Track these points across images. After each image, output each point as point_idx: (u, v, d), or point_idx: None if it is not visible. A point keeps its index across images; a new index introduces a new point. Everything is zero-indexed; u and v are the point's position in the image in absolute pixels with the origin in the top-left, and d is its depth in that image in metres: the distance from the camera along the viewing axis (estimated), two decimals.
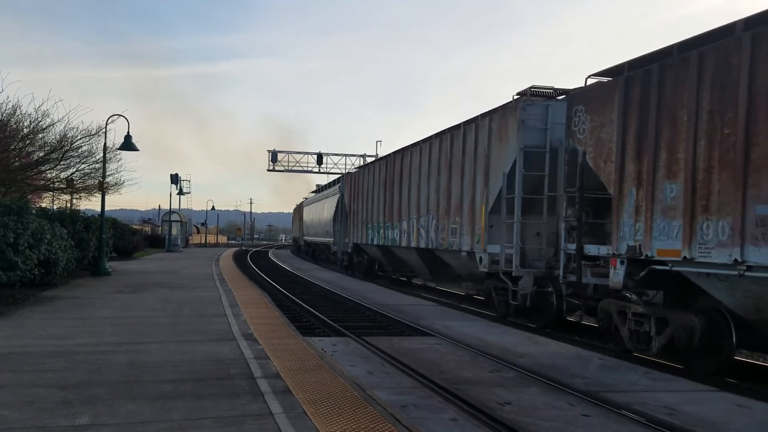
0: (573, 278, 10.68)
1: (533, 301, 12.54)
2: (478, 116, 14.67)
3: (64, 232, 16.95)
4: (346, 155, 47.62)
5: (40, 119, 22.19)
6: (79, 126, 28.04)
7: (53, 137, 23.56)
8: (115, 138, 36.01)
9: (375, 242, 22.84)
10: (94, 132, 24.05)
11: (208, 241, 76.59)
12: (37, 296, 13.78)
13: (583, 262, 10.43)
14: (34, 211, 14.99)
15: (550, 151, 12.61)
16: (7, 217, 12.87)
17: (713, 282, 8.15)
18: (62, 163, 24.69)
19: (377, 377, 7.48)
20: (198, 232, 78.89)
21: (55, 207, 28.03)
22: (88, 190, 27.83)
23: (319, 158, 47.53)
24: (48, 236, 14.74)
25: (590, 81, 10.68)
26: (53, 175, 26.28)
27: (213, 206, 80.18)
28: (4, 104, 21.15)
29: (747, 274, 7.33)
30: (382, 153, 40.00)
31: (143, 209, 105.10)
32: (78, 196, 29.53)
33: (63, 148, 23.72)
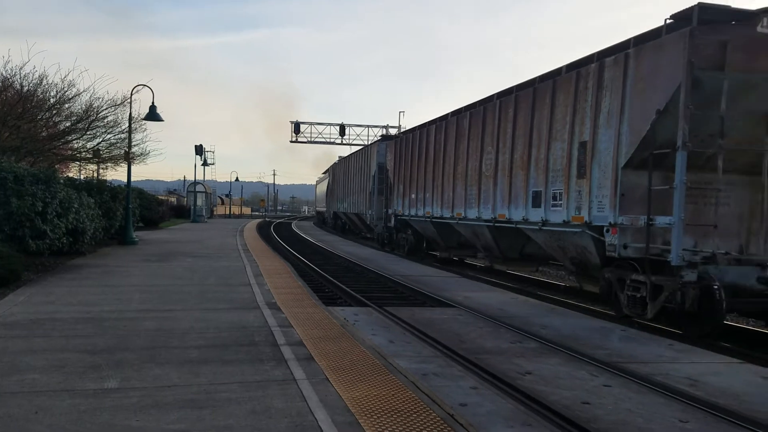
0: None
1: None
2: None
3: (92, 202, 17.21)
4: (368, 126, 47.51)
5: (66, 89, 22.36)
6: (104, 96, 28.28)
7: (79, 107, 23.76)
8: (141, 108, 36.26)
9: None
10: (119, 102, 24.22)
11: (232, 212, 77.31)
12: (66, 264, 14.06)
13: None
14: (61, 181, 15.22)
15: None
16: (35, 186, 13.09)
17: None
18: (88, 133, 24.93)
19: (398, 346, 7.54)
20: (222, 204, 79.69)
21: (82, 177, 28.44)
22: (114, 160, 28.12)
23: (342, 129, 47.52)
24: (75, 205, 14.98)
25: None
26: (80, 145, 26.59)
27: (237, 177, 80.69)
28: (31, 74, 21.36)
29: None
30: (405, 124, 39.69)
31: (168, 180, 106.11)
32: (104, 166, 29.90)
33: (89, 118, 23.92)
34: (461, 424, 4.44)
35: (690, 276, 8.91)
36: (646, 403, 5.55)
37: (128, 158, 23.13)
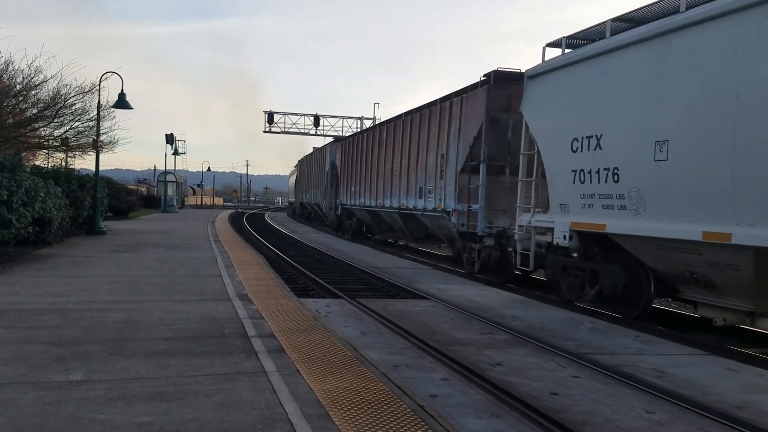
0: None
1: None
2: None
3: (59, 191, 16.88)
4: (343, 117, 47.38)
5: (33, 75, 21.87)
6: (72, 83, 27.66)
7: (46, 94, 23.26)
8: (109, 96, 35.59)
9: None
10: (87, 89, 23.75)
11: (203, 203, 76.54)
12: (32, 254, 13.78)
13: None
14: (28, 169, 14.88)
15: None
16: (0, 175, 12.78)
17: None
18: (56, 120, 24.43)
19: (370, 338, 7.54)
20: (194, 194, 78.83)
21: (49, 165, 27.86)
22: (82, 149, 27.60)
23: (316, 120, 47.26)
24: (42, 194, 14.68)
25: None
26: (47, 132, 26.06)
27: (209, 167, 79.91)
28: None
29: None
30: (380, 115, 40.00)
31: (138, 169, 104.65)
32: (72, 155, 29.31)
33: (56, 105, 23.43)
34: (431, 416, 4.45)
35: (489, 242, 14.31)
36: (614, 394, 5.63)
37: (96, 146, 22.72)
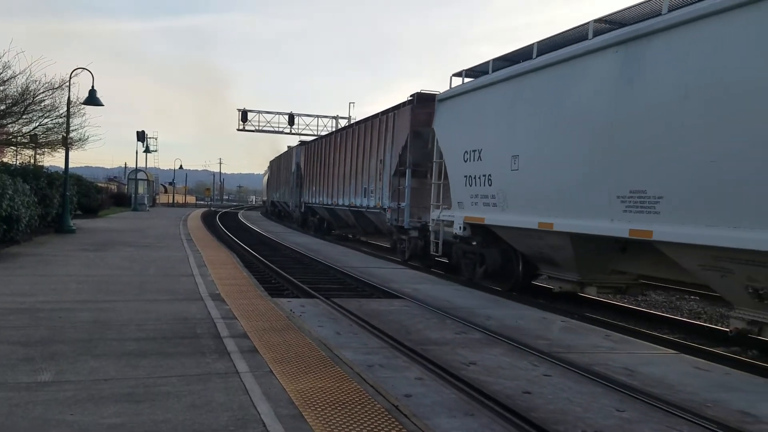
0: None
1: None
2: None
3: (27, 188, 16.53)
4: (318, 116, 47.17)
5: (1, 71, 21.42)
6: (41, 79, 27.14)
7: (15, 90, 22.82)
8: (79, 92, 34.98)
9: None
10: (57, 85, 23.37)
11: (175, 201, 75.67)
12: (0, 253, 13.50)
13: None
14: None
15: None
16: None
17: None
18: (24, 116, 24.01)
19: (345, 338, 7.52)
20: (165, 192, 77.88)
21: (17, 162, 27.29)
22: (52, 146, 27.17)
23: (291, 119, 47.00)
24: (10, 192, 14.36)
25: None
26: (15, 129, 25.57)
27: (181, 165, 79.05)
28: None
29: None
30: (355, 114, 40.17)
31: (109, 167, 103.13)
32: (41, 152, 28.84)
33: (25, 101, 23.02)
34: (405, 415, 4.45)
35: (414, 234, 16.89)
36: (585, 393, 5.69)
37: (66, 143, 22.35)
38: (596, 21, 9.80)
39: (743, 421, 5.05)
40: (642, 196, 8.68)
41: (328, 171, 26.64)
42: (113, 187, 57.23)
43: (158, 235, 20.97)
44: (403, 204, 17.33)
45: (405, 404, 4.85)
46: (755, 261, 7.37)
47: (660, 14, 8.57)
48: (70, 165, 21.35)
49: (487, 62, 12.62)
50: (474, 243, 13.34)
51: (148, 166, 57.91)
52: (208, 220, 35.98)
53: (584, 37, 9.94)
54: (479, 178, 12.62)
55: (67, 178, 20.56)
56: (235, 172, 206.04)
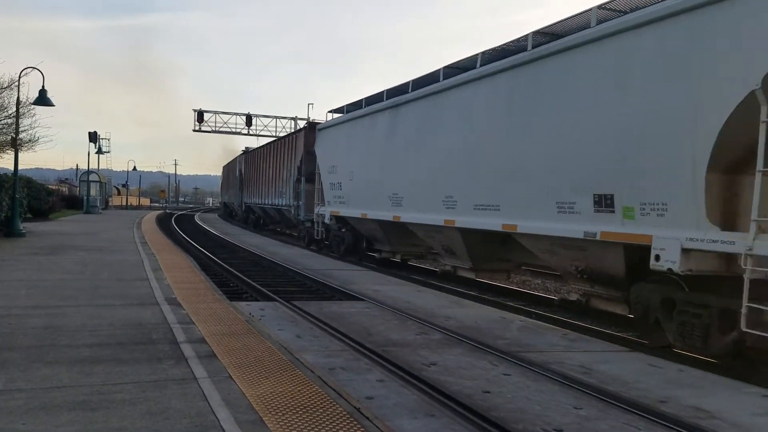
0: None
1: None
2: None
3: None
4: (276, 117, 46.67)
5: None
6: None
7: None
8: (29, 92, 33.95)
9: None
10: (6, 85, 22.61)
11: (129, 203, 74.03)
12: None
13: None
14: None
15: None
16: None
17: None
18: None
19: (306, 341, 7.47)
20: (119, 194, 76.08)
21: None
22: (0, 147, 26.23)
23: (249, 119, 46.38)
24: None
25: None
26: None
27: (134, 167, 77.24)
28: None
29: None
30: (314, 116, 41.07)
31: (60, 168, 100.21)
32: None
33: None
34: (367, 417, 4.44)
35: (308, 224, 22.79)
36: (543, 391, 5.78)
37: (15, 145, 21.63)
38: (388, 90, 16.08)
39: (697, 416, 5.19)
40: (398, 197, 15.51)
41: (260, 176, 33.07)
42: (65, 189, 55.64)
43: (112, 239, 20.48)
44: (300, 203, 23.90)
45: (367, 406, 4.83)
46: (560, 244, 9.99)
47: (407, 92, 15.01)
48: (20, 167, 20.69)
49: (342, 106, 19.26)
50: (342, 229, 19.49)
51: (100, 168, 56.50)
52: (163, 222, 35.33)
53: (406, 90, 15.16)
54: (336, 184, 19.41)
55: (16, 180, 19.89)
56: (192, 174, 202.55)
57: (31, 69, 20.77)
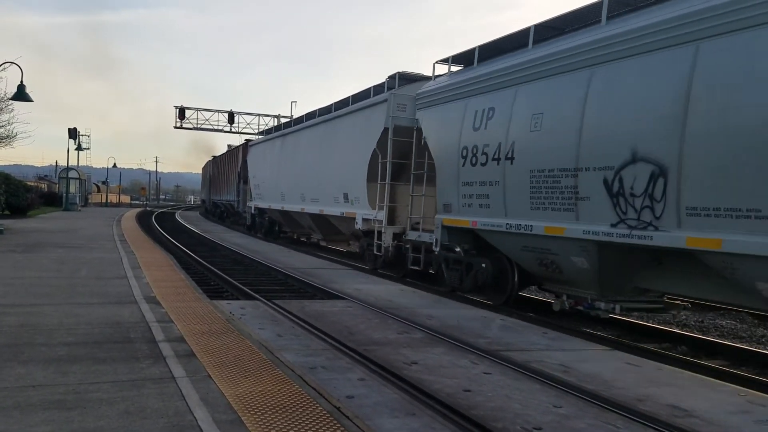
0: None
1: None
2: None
3: None
4: (259, 114, 46.44)
5: None
6: None
7: None
8: (7, 87, 33.45)
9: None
10: None
11: (109, 201, 73.25)
12: None
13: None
14: None
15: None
16: None
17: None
18: None
19: (286, 340, 7.43)
20: (98, 191, 75.24)
21: None
22: None
23: (231, 117, 46.10)
24: None
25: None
26: None
27: (115, 164, 76.45)
28: None
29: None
30: (297, 113, 41.47)
31: (39, 165, 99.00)
32: None
33: None
34: (347, 417, 4.42)
35: (245, 214, 31.72)
36: (523, 389, 5.80)
37: None
38: (307, 114, 22.09)
39: (673, 415, 5.24)
40: (283, 194, 23.41)
41: (220, 177, 42.17)
42: (43, 186, 54.94)
43: (90, 236, 20.24)
44: (239, 198, 33.34)
45: (347, 406, 4.82)
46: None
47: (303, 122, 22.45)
48: None
49: (271, 128, 25.73)
50: (264, 217, 27.51)
51: (80, 165, 55.88)
52: (143, 220, 35.00)
53: (289, 125, 24.45)
54: (257, 185, 27.80)
55: None
56: (173, 171, 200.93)
57: (9, 64, 20.47)
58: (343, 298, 10.75)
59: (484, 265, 11.20)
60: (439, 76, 13.14)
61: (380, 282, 13.44)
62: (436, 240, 12.14)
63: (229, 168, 38.30)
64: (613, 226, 8.18)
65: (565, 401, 5.49)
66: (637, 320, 10.71)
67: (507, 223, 10.09)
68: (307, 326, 8.23)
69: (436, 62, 13.06)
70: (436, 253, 12.31)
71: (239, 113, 46.30)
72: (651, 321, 10.95)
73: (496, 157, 10.28)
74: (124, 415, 4.25)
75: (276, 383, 5.11)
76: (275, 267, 15.00)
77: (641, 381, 6.28)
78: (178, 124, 45.45)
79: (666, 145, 7.43)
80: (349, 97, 17.56)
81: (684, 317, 11.43)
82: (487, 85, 10.85)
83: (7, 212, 24.23)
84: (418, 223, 13.53)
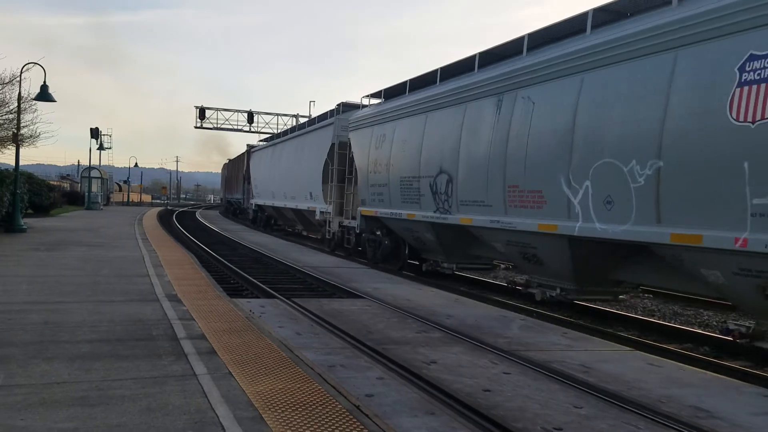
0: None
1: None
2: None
3: None
4: (278, 114, 46.69)
5: None
6: None
7: None
8: (31, 88, 33.97)
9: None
10: (7, 80, 22.59)
11: (130, 200, 74.06)
12: None
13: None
14: None
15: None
16: None
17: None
18: None
19: (306, 338, 7.46)
20: (120, 190, 76.09)
21: None
22: (1, 143, 26.24)
23: (250, 117, 46.38)
24: None
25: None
26: None
27: (136, 163, 77.36)
28: None
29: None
30: (315, 113, 41.32)
31: (62, 164, 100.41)
32: None
33: None
34: (367, 415, 4.44)
35: (249, 211, 38.66)
36: (543, 390, 5.77)
37: (17, 140, 21.63)
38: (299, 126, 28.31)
39: (696, 416, 5.18)
40: (274, 192, 29.81)
41: (232, 178, 49.07)
42: (66, 185, 55.66)
43: (112, 235, 20.49)
44: (244, 196, 39.13)
45: (366, 404, 4.83)
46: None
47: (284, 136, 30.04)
48: (22, 162, 20.74)
49: (272, 135, 31.10)
50: (263, 213, 33.00)
51: (102, 164, 56.58)
52: (164, 219, 35.35)
53: (280, 135, 31.72)
54: (256, 185, 33.47)
55: (17, 175, 19.91)
56: (194, 170, 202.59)
57: (33, 64, 20.78)
58: (362, 297, 10.77)
59: (387, 242, 16.31)
60: (365, 106, 17.93)
61: (399, 282, 13.44)
62: (357, 225, 17.60)
63: (238, 170, 44.96)
64: (434, 212, 13.35)
65: (585, 402, 5.45)
66: (658, 320, 10.60)
67: (391, 212, 15.29)
68: (326, 325, 8.26)
69: (363, 96, 18.08)
70: (359, 235, 17.63)
71: (258, 113, 46.57)
72: (672, 321, 10.83)
73: (385, 167, 15.52)
74: (146, 411, 4.30)
75: (296, 381, 5.14)
76: (294, 266, 15.08)
77: (663, 381, 6.21)
78: (198, 124, 45.84)
79: (453, 164, 12.54)
80: (315, 117, 24.63)
81: (706, 317, 11.29)
82: (383, 117, 16.05)
83: (30, 211, 24.61)
84: (354, 215, 18.18)
